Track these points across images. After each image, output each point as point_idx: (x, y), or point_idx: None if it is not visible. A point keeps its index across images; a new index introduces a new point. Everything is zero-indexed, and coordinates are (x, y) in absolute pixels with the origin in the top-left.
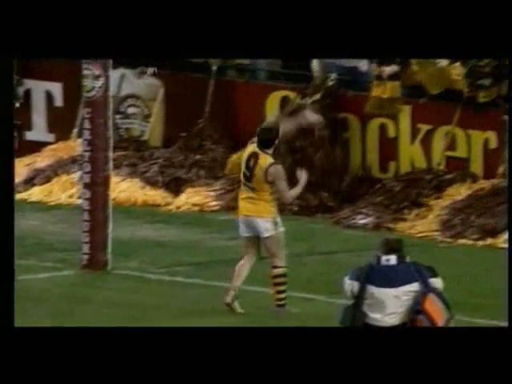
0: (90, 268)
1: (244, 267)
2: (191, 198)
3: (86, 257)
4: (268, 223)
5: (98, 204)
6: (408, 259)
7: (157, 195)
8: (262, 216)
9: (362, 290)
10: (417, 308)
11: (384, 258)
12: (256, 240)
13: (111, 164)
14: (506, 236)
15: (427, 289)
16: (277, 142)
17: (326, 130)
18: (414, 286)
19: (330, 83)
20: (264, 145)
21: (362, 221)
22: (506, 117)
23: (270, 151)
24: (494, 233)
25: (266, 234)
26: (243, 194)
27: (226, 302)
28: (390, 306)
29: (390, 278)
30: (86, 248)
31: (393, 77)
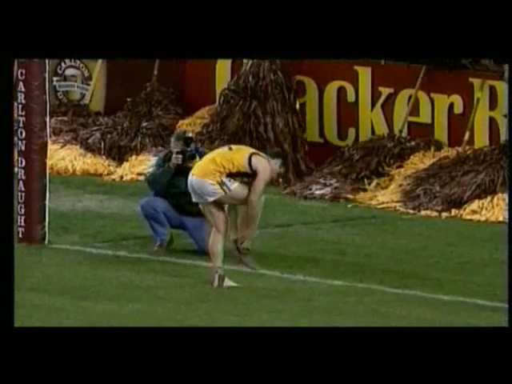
0: (26, 242)
1: (215, 243)
2: (136, 167)
3: (21, 230)
4: (213, 186)
5: (34, 173)
6: None
7: (98, 164)
8: (206, 177)
9: None
10: None
11: None
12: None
13: (48, 130)
14: (471, 207)
15: None
16: None
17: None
18: None
19: None
20: None
21: (318, 191)
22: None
23: None
24: (459, 203)
25: (211, 199)
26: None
27: (215, 286)
28: None
29: None
30: (21, 220)
31: None
